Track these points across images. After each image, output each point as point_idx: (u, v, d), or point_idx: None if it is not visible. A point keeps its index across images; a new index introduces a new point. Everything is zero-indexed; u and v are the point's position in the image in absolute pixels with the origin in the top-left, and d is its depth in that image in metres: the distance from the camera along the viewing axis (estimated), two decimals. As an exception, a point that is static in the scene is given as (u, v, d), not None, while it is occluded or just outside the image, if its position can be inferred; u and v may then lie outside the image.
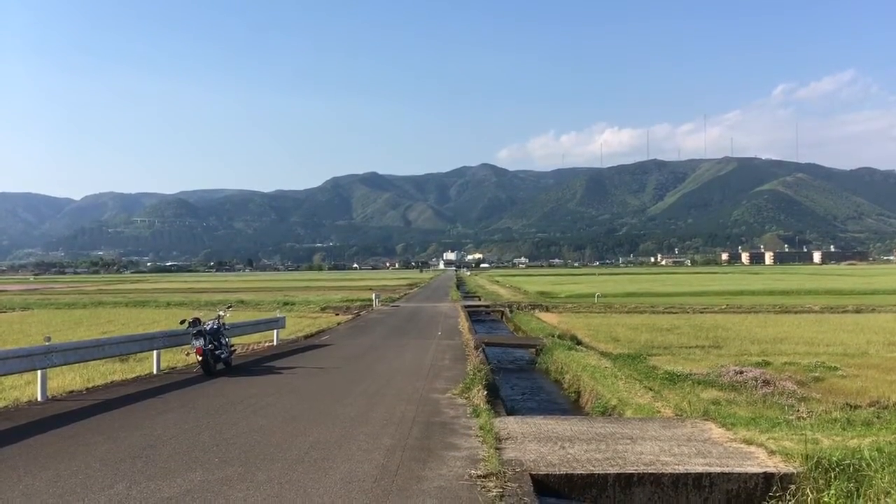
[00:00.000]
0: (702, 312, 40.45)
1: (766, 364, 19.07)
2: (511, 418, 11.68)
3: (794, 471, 8.02)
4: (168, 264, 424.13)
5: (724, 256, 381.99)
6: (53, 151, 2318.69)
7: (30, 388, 13.60)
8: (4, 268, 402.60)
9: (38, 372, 12.85)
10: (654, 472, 8.05)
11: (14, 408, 12.14)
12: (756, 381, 16.18)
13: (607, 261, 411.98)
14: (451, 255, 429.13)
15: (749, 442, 9.40)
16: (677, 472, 8.05)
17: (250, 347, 22.72)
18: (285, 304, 49.70)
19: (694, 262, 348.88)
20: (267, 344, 23.75)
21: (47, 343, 13.24)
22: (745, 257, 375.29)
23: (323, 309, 45.44)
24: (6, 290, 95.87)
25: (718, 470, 8.10)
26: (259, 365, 18.38)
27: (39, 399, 12.73)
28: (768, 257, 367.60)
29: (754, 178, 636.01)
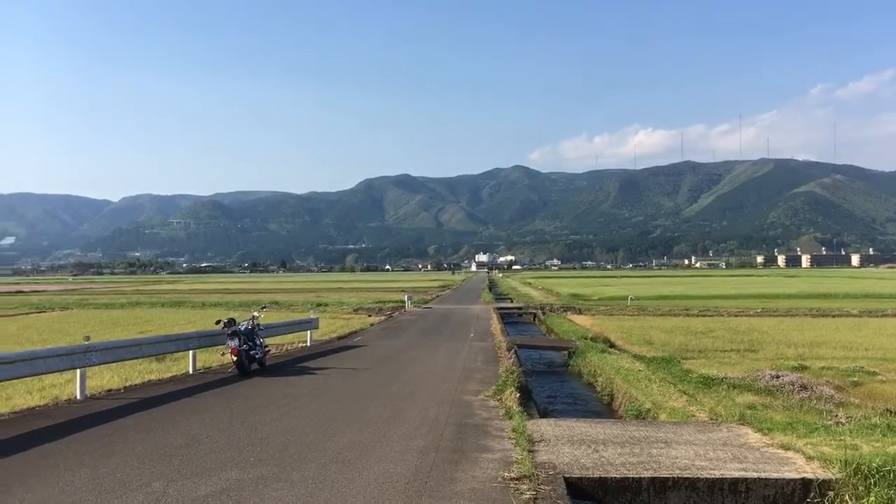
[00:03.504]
0: (737, 316, 39.96)
1: (803, 368, 18.79)
2: (544, 421, 11.63)
3: (833, 477, 7.89)
4: (203, 265, 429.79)
5: (760, 259, 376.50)
6: (91, 154, 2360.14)
7: (69, 386, 13.84)
8: (44, 268, 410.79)
9: (78, 371, 13.08)
10: (689, 476, 7.96)
11: (54, 406, 12.37)
12: (793, 385, 15.94)
13: (640, 263, 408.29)
14: (483, 257, 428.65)
15: (786, 447, 9.26)
16: (713, 476, 7.95)
17: (284, 348, 22.91)
18: (318, 305, 50.04)
19: (729, 265, 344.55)
20: (300, 344, 23.93)
21: (86, 342, 13.48)
22: (781, 260, 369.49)
23: (356, 310, 45.67)
24: (46, 291, 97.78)
25: (755, 475, 7.99)
26: (293, 365, 18.52)
27: (79, 397, 12.96)
28: (805, 260, 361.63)
29: (791, 179, 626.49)
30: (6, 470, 8.04)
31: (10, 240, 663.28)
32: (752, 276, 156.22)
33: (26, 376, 12.46)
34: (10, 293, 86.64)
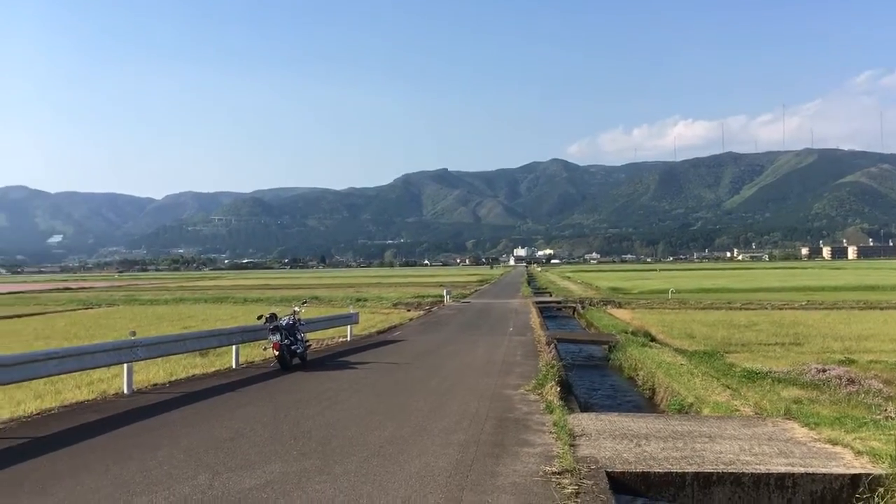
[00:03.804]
0: (781, 309, 39.26)
1: (851, 362, 18.40)
2: (585, 415, 11.57)
3: (883, 473, 7.71)
4: (244, 261, 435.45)
5: (805, 251, 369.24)
6: (136, 153, 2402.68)
7: (116, 381, 14.12)
8: (91, 265, 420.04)
9: (125, 365, 13.34)
10: (734, 471, 7.85)
11: (102, 400, 12.63)
12: (840, 379, 15.62)
13: (681, 256, 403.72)
14: (521, 251, 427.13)
15: (834, 442, 9.08)
16: (758, 471, 7.83)
17: (324, 342, 23.08)
18: (358, 300, 50.31)
19: (772, 257, 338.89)
20: (340, 339, 24.10)
21: (133, 338, 13.73)
22: (826, 252, 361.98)
23: (395, 305, 45.87)
24: (93, 287, 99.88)
25: (802, 470, 7.86)
26: (333, 360, 18.67)
27: (126, 392, 13.21)
28: (851, 252, 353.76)
29: (836, 169, 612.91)
30: (57, 463, 8.25)
31: (57, 238, 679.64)
32: (796, 268, 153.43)
33: (75, 371, 12.72)
34: (58, 290, 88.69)
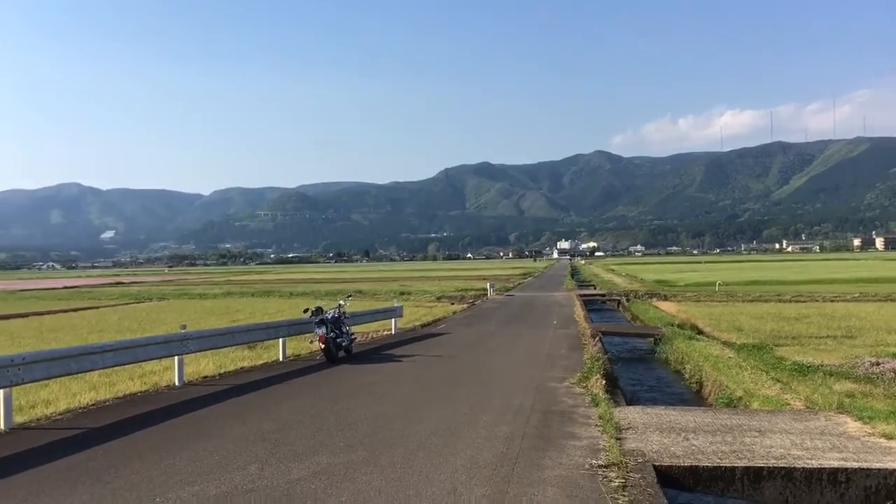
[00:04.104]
0: (832, 301, 38.38)
1: (906, 355, 17.91)
2: (631, 408, 11.48)
3: (941, 468, 7.52)
4: (290, 256, 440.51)
5: (857, 242, 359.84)
6: (184, 150, 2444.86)
7: (168, 373, 14.41)
8: (142, 260, 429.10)
9: (176, 358, 13.61)
10: (785, 465, 7.72)
11: (154, 391, 12.91)
12: (894, 373, 15.24)
13: (728, 248, 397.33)
14: (564, 244, 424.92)
15: (889, 437, 8.87)
16: (811, 466, 7.69)
17: (369, 335, 23.25)
18: (402, 293, 50.60)
19: (823, 249, 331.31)
20: (385, 332, 24.24)
21: (183, 331, 14.00)
22: (879, 243, 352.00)
23: (438, 298, 45.96)
24: (144, 282, 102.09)
25: (856, 465, 7.69)
26: (378, 353, 18.80)
27: (177, 384, 13.48)
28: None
29: (889, 158, 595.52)
30: (112, 452, 8.46)
31: (110, 233, 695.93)
32: (848, 259, 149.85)
33: (128, 363, 13.02)
34: (110, 284, 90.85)
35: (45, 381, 12.06)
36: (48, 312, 39.20)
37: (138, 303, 49.16)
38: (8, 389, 9.92)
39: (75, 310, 41.53)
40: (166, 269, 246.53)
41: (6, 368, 9.82)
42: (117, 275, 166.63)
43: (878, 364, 16.14)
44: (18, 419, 10.31)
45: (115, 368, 13.71)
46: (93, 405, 11.56)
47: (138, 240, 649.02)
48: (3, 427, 9.83)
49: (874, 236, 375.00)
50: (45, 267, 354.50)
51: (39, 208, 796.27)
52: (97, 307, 44.29)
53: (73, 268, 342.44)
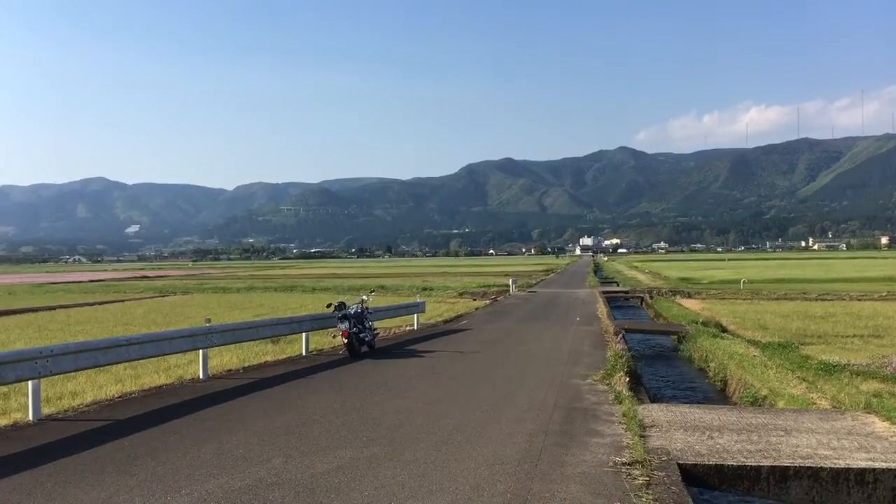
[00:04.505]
0: (860, 300, 37.89)
1: (936, 355, 17.63)
2: (655, 406, 11.41)
3: (972, 470, 7.40)
4: (312, 251, 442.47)
5: (884, 240, 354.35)
6: (208, 145, 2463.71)
7: (192, 366, 14.53)
8: (166, 254, 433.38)
9: (200, 351, 13.73)
10: (811, 465, 7.64)
11: (179, 384, 13.02)
12: (924, 373, 15.01)
13: (753, 245, 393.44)
14: (587, 241, 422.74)
15: (918, 438, 8.75)
16: (838, 466, 7.60)
17: (392, 331, 23.28)
18: (424, 289, 50.59)
19: (850, 247, 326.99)
20: (408, 328, 24.27)
21: (208, 325, 14.11)
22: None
23: (461, 294, 45.95)
24: (168, 276, 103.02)
25: (884, 465, 7.59)
26: (401, 348, 18.82)
27: (201, 377, 13.59)
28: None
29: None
30: (137, 444, 8.54)
31: (135, 228, 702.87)
32: (875, 258, 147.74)
33: (154, 356, 13.16)
34: (136, 278, 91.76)
35: (73, 374, 12.21)
36: (75, 305, 39.68)
37: (163, 296, 49.62)
38: (36, 381, 10.05)
39: (101, 303, 42.01)
40: (190, 264, 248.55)
41: (35, 360, 9.95)
42: (142, 269, 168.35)
43: (906, 364, 15.90)
44: (46, 410, 10.45)
45: (141, 361, 13.82)
46: (119, 397, 11.68)
47: (163, 234, 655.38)
48: (31, 418, 9.97)
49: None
50: (71, 260, 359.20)
51: (66, 202, 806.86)
52: (123, 300, 44.78)
53: (99, 261, 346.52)
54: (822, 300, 38.12)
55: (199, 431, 9.18)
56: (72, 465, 7.68)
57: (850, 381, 14.33)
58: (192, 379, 13.53)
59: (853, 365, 16.31)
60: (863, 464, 7.68)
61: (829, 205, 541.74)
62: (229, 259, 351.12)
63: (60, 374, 10.99)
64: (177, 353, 13.75)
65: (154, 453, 8.09)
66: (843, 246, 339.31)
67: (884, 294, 40.65)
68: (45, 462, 7.78)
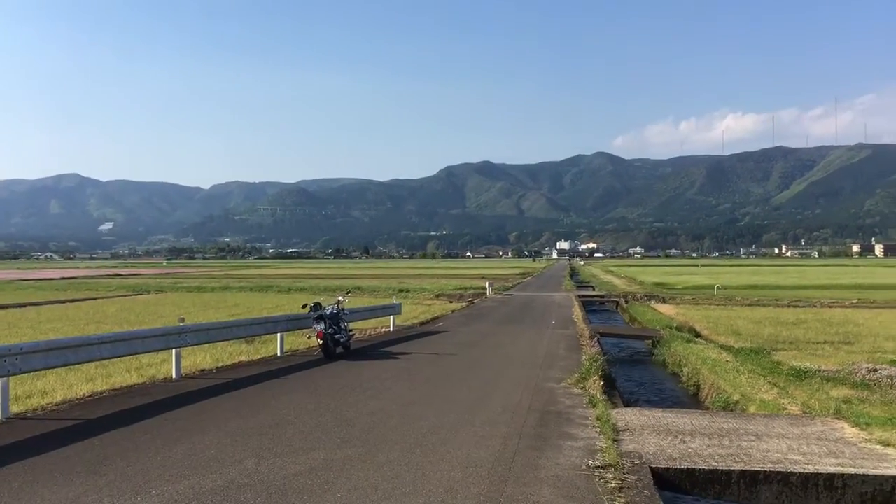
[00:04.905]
0: (831, 306, 38.39)
1: (904, 362, 17.91)
2: (628, 410, 11.48)
3: (937, 476, 7.52)
4: (289, 251, 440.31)
5: (856, 248, 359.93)
6: (185, 143, 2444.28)
7: (165, 365, 14.39)
8: (140, 253, 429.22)
9: (173, 351, 13.62)
10: (781, 470, 7.73)
11: (151, 384, 12.89)
12: (892, 379, 15.21)
13: (728, 252, 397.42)
14: (564, 245, 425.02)
15: (886, 443, 8.88)
16: (807, 471, 7.69)
17: (367, 332, 23.22)
18: (400, 290, 50.49)
19: (822, 254, 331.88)
20: (383, 329, 24.22)
21: (181, 324, 13.99)
22: (878, 249, 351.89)
23: (437, 296, 45.91)
24: (142, 274, 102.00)
25: (852, 471, 7.69)
26: (376, 350, 18.78)
27: (174, 376, 13.48)
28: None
29: (890, 165, 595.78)
30: (108, 444, 8.45)
31: (108, 225, 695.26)
32: (846, 265, 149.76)
33: (126, 355, 13.02)
34: (109, 276, 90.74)
35: (42, 372, 12.05)
36: (46, 303, 39.17)
37: (136, 295, 49.08)
38: (5, 379, 9.91)
39: (73, 301, 41.49)
40: (165, 262, 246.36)
41: (4, 358, 9.81)
42: (115, 267, 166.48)
43: (875, 370, 16.13)
44: (15, 409, 10.31)
45: (113, 360, 13.66)
46: (89, 397, 11.55)
47: (137, 232, 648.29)
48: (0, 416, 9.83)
49: (874, 243, 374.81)
50: (43, 257, 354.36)
51: (38, 198, 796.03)
52: (95, 299, 44.24)
53: (72, 259, 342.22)
54: (794, 307, 38.57)
55: (171, 431, 9.10)
56: (40, 464, 7.58)
57: (821, 387, 14.50)
58: (165, 378, 13.41)
59: (823, 371, 16.50)
60: (832, 469, 7.77)
61: (802, 213, 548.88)
62: (204, 258, 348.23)
63: (30, 372, 10.85)
64: (149, 352, 13.64)
65: (124, 453, 8.01)
66: (816, 253, 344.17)
67: (854, 301, 41.23)
68: (13, 461, 7.67)
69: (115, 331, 16.68)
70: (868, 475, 7.61)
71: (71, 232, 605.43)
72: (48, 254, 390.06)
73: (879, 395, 13.99)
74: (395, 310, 25.19)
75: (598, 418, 10.01)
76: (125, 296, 48.16)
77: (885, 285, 60.58)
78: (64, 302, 40.27)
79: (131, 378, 13.31)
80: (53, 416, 10.12)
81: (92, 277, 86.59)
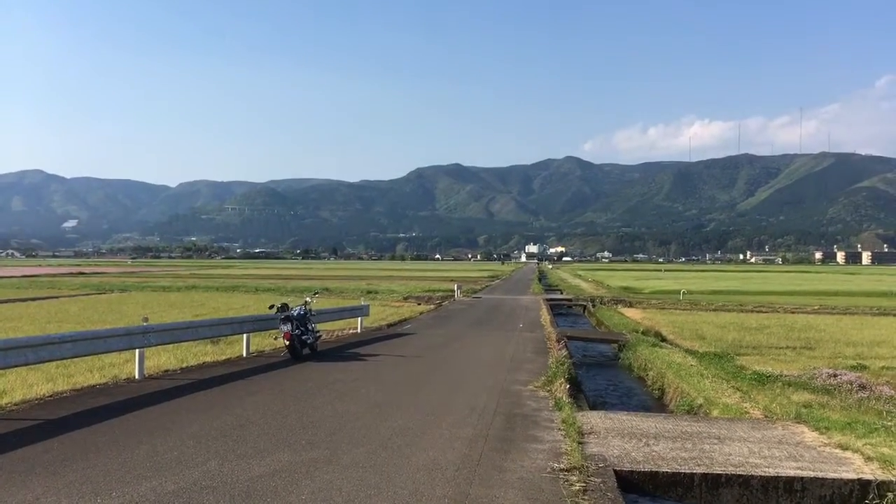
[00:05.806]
0: (793, 312, 39.04)
1: (862, 368, 18.26)
2: (594, 413, 11.56)
3: (893, 478, 7.68)
4: (256, 251, 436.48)
5: (818, 255, 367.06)
6: (152, 141, 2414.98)
7: (128, 366, 14.19)
8: (104, 251, 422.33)
9: (136, 351, 13.43)
10: (742, 473, 7.84)
11: (113, 384, 12.70)
12: (851, 385, 15.49)
13: (694, 257, 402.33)
14: (533, 248, 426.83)
15: (844, 447, 9.04)
16: (767, 474, 7.81)
17: (335, 334, 23.12)
18: (369, 292, 50.37)
19: (785, 261, 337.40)
20: (351, 331, 24.14)
21: (145, 324, 13.81)
22: (840, 257, 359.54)
23: (405, 298, 45.86)
24: (106, 273, 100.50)
25: (811, 474, 7.83)
26: (344, 351, 18.71)
27: (137, 377, 13.30)
28: (866, 257, 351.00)
29: (853, 174, 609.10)
30: (68, 445, 8.31)
31: (72, 223, 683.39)
32: (809, 272, 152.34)
33: (88, 355, 12.82)
34: (71, 275, 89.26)
35: (1, 371, 11.80)
36: (6, 301, 38.40)
37: (100, 294, 48.36)
38: (-38, 378, 9.70)
39: (34, 299, 40.74)
40: (129, 261, 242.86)
41: (-39, 357, 9.60)
42: (79, 265, 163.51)
43: (835, 376, 16.41)
44: (-28, 409, 10.09)
45: (74, 360, 13.45)
46: (50, 397, 11.34)
47: (102, 230, 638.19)
48: (-45, 417, 9.61)
49: (835, 250, 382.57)
50: (4, 255, 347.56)
51: (1, 195, 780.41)
52: (57, 297, 43.49)
53: (34, 256, 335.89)
54: (758, 312, 39.16)
55: (133, 433, 8.97)
56: (-3, 465, 7.43)
57: (782, 392, 14.73)
58: (128, 379, 13.22)
59: (785, 376, 16.75)
60: (791, 472, 7.90)
61: (767, 219, 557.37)
62: (170, 257, 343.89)
63: (-12, 371, 10.62)
64: (112, 352, 13.43)
65: (85, 454, 7.88)
66: (779, 260, 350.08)
67: (816, 307, 41.98)
68: (-31, 462, 7.50)
69: (78, 330, 16.41)
70: (827, 479, 7.75)
71: (33, 229, 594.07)
72: (10, 251, 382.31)
73: (839, 399, 14.24)
74: (363, 311, 25.13)
75: (563, 421, 10.06)
76: (88, 294, 47.42)
77: (846, 292, 61.79)
78: (25, 300, 39.53)
79: (93, 378, 13.10)
80: (12, 416, 9.92)
81: (54, 275, 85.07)
